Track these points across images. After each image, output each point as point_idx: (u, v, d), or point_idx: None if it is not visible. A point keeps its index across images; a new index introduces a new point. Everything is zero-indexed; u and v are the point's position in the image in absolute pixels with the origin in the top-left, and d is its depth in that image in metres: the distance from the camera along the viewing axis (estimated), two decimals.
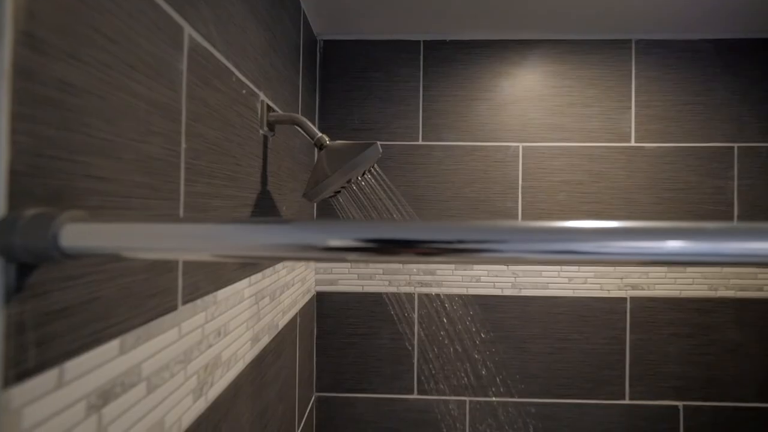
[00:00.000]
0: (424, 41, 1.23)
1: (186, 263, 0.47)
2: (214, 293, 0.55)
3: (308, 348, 1.15)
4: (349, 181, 0.70)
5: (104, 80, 0.33)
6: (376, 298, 1.23)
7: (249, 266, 0.67)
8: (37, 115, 0.27)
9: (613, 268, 1.21)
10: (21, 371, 0.26)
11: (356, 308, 1.24)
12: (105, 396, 0.34)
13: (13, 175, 0.25)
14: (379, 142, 0.67)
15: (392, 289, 1.23)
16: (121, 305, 0.36)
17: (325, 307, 1.24)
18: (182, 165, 0.46)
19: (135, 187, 0.37)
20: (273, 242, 0.25)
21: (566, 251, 0.25)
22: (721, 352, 1.20)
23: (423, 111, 1.23)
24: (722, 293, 1.20)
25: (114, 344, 0.35)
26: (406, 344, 1.23)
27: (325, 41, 1.24)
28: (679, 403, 1.21)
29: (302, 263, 1.07)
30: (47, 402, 0.28)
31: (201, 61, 0.50)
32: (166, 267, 0.43)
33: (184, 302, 0.47)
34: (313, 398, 1.21)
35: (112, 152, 0.34)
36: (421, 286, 1.23)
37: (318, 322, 1.23)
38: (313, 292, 1.20)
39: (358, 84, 1.24)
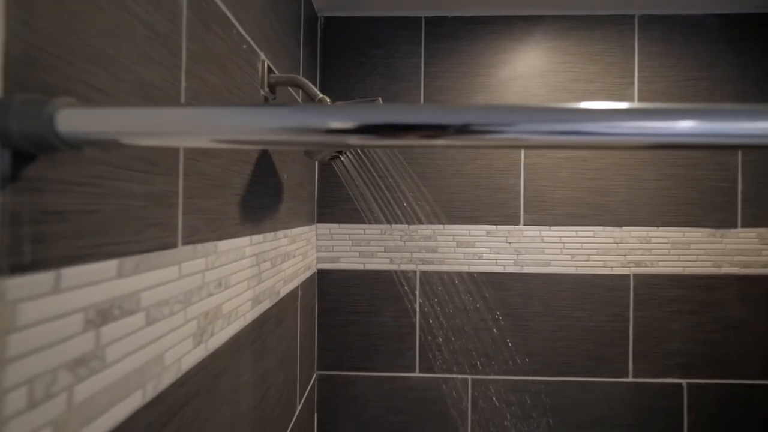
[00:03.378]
0: (425, 17, 1.23)
1: (186, 203, 0.46)
2: (215, 242, 0.54)
3: (310, 325, 1.14)
4: None
5: None
6: (378, 276, 1.23)
7: (249, 224, 0.67)
8: (33, 4, 0.26)
9: (616, 244, 1.20)
10: (16, 263, 0.26)
11: (358, 286, 1.23)
12: (103, 315, 0.33)
13: (8, 59, 0.25)
14: (380, 98, 0.66)
15: (393, 267, 1.22)
16: (118, 226, 0.35)
17: (327, 285, 1.23)
18: (182, 102, 0.45)
19: None
20: (274, 125, 0.24)
21: (574, 132, 0.24)
22: (725, 329, 1.20)
23: (424, 88, 1.23)
24: (726, 270, 1.19)
25: (112, 264, 0.34)
26: (408, 322, 1.22)
27: (326, 18, 1.23)
28: (683, 381, 1.20)
29: (303, 241, 1.06)
30: (44, 304, 0.28)
31: (201, 2, 0.50)
32: (166, 201, 0.43)
33: (184, 243, 0.46)
34: (314, 376, 1.20)
35: (111, 68, 0.34)
36: (423, 264, 1.22)
37: (319, 300, 1.23)
38: (314, 269, 1.20)
39: (359, 61, 1.23)
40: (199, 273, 0.50)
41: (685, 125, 0.24)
